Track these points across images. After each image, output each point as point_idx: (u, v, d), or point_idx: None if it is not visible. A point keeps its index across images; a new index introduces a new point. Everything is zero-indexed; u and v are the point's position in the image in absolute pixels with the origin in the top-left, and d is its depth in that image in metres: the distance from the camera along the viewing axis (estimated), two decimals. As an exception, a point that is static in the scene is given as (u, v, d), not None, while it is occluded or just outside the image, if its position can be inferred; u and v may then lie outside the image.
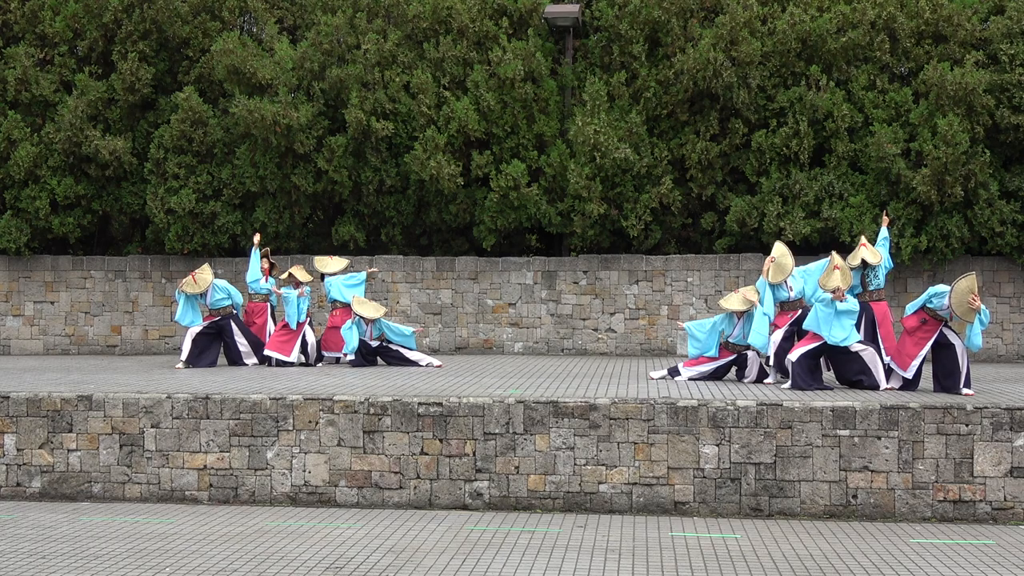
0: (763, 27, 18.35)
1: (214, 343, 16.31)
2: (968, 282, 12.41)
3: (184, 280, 16.15)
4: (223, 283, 16.33)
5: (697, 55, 17.83)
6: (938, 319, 12.74)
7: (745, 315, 14.04)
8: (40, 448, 12.48)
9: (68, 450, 12.42)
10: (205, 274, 16.17)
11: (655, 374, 14.47)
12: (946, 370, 12.70)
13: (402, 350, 15.94)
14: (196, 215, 18.72)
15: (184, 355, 16.01)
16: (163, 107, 19.30)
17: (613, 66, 18.80)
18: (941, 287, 12.71)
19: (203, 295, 16.10)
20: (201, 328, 16.08)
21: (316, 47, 18.69)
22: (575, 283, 18.52)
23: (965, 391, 12.42)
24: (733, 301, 14.11)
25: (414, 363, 15.87)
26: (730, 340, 14.16)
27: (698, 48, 17.89)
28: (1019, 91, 17.30)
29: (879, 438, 11.50)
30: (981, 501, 11.44)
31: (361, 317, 15.68)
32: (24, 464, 12.49)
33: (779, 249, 14.12)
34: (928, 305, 12.77)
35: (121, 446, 12.35)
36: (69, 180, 18.98)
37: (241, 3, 19.57)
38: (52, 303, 19.26)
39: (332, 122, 18.89)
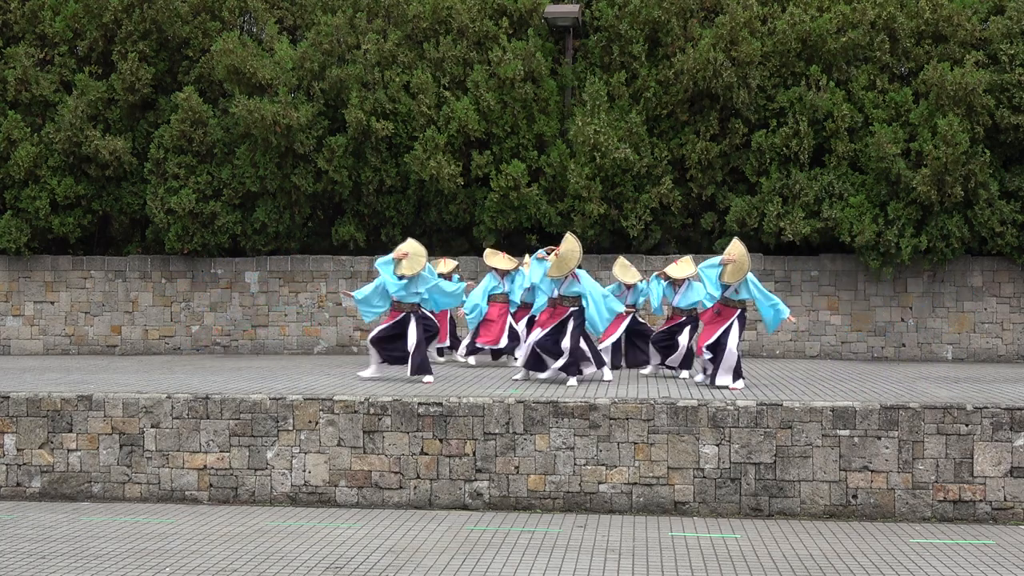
0: (763, 27, 18.36)
1: (399, 343, 13.59)
2: (731, 248, 13.04)
3: (389, 259, 13.51)
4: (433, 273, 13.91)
5: (697, 55, 17.83)
6: (731, 305, 13.07)
7: (686, 282, 14.48)
8: (40, 448, 12.48)
9: (68, 450, 12.42)
10: (418, 252, 13.35)
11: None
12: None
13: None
14: (196, 215, 18.71)
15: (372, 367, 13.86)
16: (163, 107, 19.29)
17: (613, 66, 18.80)
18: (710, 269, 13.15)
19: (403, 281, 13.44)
20: (383, 331, 13.77)
21: (316, 47, 18.69)
22: (575, 283, 18.48)
23: (735, 384, 12.83)
24: (681, 269, 14.55)
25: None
26: (675, 305, 14.59)
27: (698, 48, 17.90)
28: (1019, 91, 17.31)
29: (879, 438, 11.50)
30: (981, 501, 11.44)
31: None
32: (24, 464, 12.48)
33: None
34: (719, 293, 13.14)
35: (121, 446, 12.35)
36: (69, 180, 18.97)
37: (241, 3, 19.57)
38: (52, 303, 19.25)
39: (332, 122, 18.89)
